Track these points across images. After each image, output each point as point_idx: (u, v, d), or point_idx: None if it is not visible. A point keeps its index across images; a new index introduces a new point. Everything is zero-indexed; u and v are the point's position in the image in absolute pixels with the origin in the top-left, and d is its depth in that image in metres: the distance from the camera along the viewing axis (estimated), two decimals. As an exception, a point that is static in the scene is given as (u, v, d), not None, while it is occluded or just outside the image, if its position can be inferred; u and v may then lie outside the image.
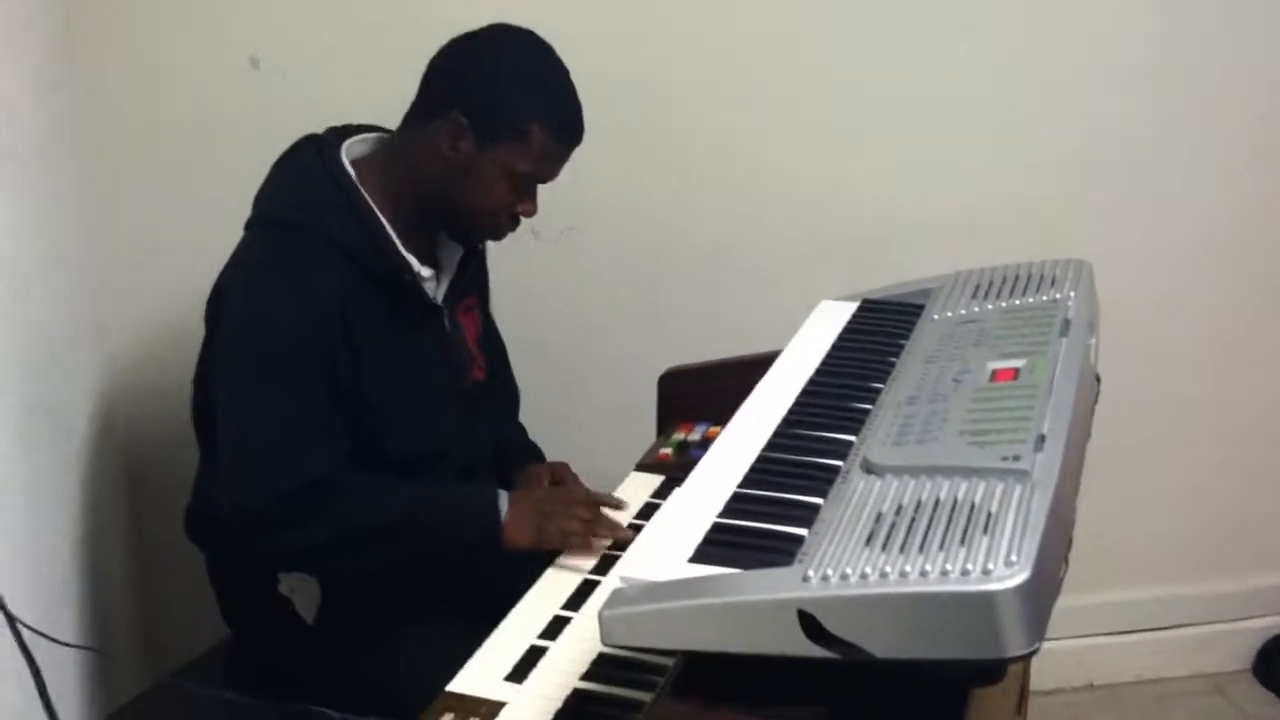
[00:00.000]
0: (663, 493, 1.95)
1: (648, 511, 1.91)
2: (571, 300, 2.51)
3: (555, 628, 1.62)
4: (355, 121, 1.92)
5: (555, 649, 1.56)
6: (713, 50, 2.43)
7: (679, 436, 2.09)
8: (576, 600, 1.68)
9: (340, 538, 1.74)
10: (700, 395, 2.14)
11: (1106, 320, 1.84)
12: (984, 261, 1.93)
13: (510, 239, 1.92)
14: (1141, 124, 2.59)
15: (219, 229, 1.84)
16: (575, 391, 2.54)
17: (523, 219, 1.88)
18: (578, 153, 1.87)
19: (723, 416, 2.04)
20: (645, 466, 2.06)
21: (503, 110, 1.78)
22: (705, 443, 2.01)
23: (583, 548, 1.79)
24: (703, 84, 2.45)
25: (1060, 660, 2.80)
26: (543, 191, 1.88)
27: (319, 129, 1.89)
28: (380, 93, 1.92)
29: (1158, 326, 2.67)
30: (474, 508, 1.81)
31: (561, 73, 1.83)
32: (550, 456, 2.17)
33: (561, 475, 2.04)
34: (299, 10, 2.31)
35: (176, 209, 2.32)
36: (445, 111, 1.78)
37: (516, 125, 1.78)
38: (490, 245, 2.03)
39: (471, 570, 1.83)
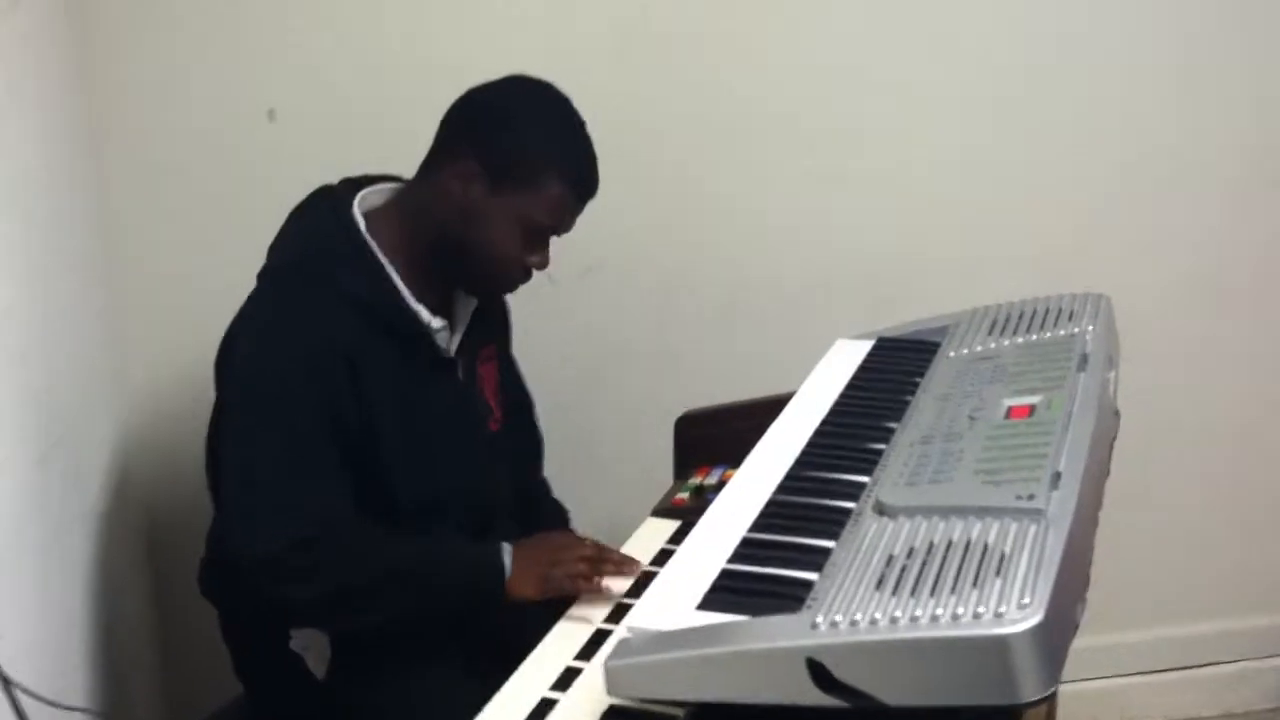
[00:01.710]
0: (678, 538, 1.91)
1: (663, 558, 1.87)
2: (587, 343, 2.49)
3: (567, 679, 1.58)
4: (373, 173, 1.92)
5: (565, 701, 1.52)
6: (726, 92, 2.42)
7: (696, 481, 2.06)
8: (589, 650, 1.64)
9: (345, 589, 1.71)
10: (718, 438, 2.11)
11: (1128, 353, 1.82)
12: (1003, 297, 1.91)
13: (528, 283, 1.90)
14: (1168, 156, 2.56)
15: (237, 281, 1.83)
16: (591, 435, 2.51)
17: (535, 271, 1.85)
18: (596, 196, 1.85)
19: (741, 459, 2.02)
20: (662, 512, 2.02)
21: (517, 157, 1.77)
22: (722, 486, 1.97)
23: (591, 589, 1.76)
24: (716, 125, 2.43)
25: (1091, 700, 2.74)
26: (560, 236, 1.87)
27: (335, 180, 1.89)
28: (397, 145, 1.91)
29: (1183, 359, 2.62)
30: (476, 560, 1.78)
31: (579, 124, 1.82)
32: (566, 500, 2.15)
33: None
34: (316, 63, 2.31)
35: (194, 261, 2.32)
36: (459, 156, 1.78)
37: (531, 173, 1.76)
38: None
39: (483, 620, 1.80)
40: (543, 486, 2.16)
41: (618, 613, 1.74)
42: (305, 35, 2.30)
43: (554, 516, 2.11)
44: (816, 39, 2.43)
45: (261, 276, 1.82)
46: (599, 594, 1.76)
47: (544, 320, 2.37)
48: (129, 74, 2.25)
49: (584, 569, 1.75)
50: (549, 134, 1.79)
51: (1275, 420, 2.73)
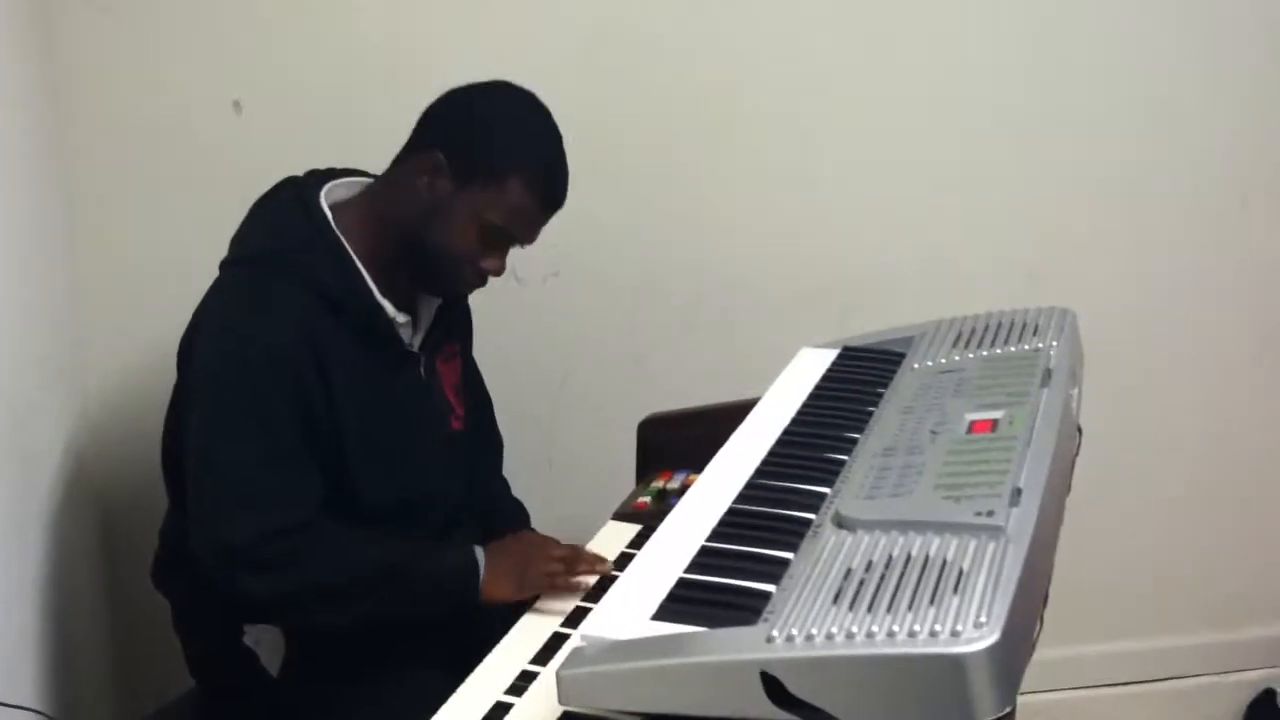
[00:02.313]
0: (639, 542, 1.91)
1: (623, 562, 1.86)
2: (552, 345, 2.48)
3: (522, 684, 1.57)
4: (338, 167, 1.90)
5: (520, 706, 1.51)
6: (694, 95, 2.41)
7: (658, 484, 2.05)
8: (545, 654, 1.64)
9: (317, 587, 1.70)
10: (681, 442, 2.10)
11: (1092, 368, 1.82)
12: (973, 307, 1.90)
13: (493, 284, 1.89)
14: (1133, 165, 2.57)
15: (199, 273, 1.81)
16: (554, 437, 2.50)
17: (490, 278, 1.84)
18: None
19: (703, 464, 2.01)
20: (623, 516, 2.01)
21: (484, 154, 1.75)
22: (684, 491, 1.96)
23: (566, 588, 1.75)
24: (686, 129, 2.42)
25: (1048, 713, 2.75)
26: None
27: (301, 173, 1.87)
28: (364, 139, 1.90)
29: (1145, 374, 2.63)
30: (453, 563, 1.77)
31: (554, 134, 1.81)
32: (527, 502, 2.14)
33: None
34: (282, 54, 2.29)
35: (155, 253, 2.29)
36: (427, 149, 1.76)
37: (494, 172, 1.75)
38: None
39: (442, 621, 1.78)
40: (502, 486, 2.15)
41: (577, 616, 1.73)
42: (274, 26, 2.27)
43: (513, 516, 2.10)
44: (788, 43, 2.42)
45: (224, 267, 1.80)
46: (574, 594, 1.75)
47: (509, 321, 2.36)
48: (93, 61, 2.22)
49: (558, 568, 1.75)
50: (520, 139, 1.78)
51: (1238, 435, 2.75)
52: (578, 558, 1.78)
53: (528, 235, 1.82)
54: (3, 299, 1.82)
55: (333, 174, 1.87)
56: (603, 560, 1.80)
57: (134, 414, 2.26)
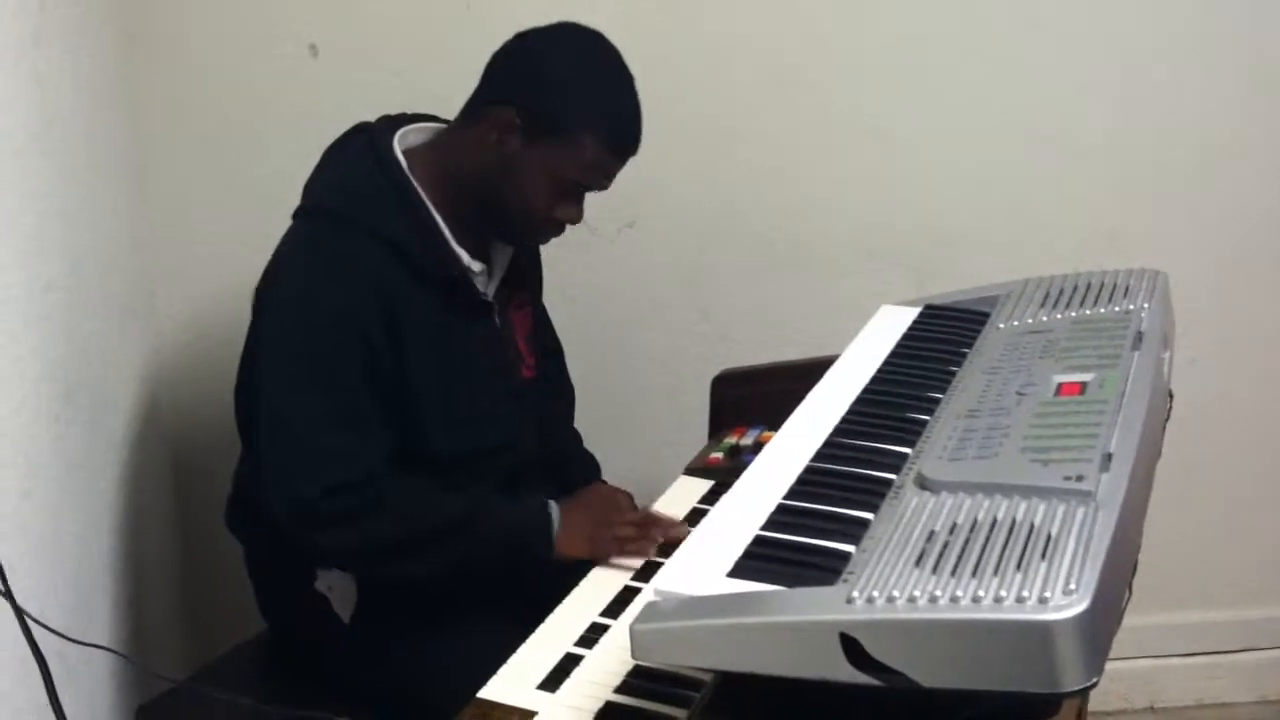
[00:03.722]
0: (711, 498, 1.89)
1: (695, 518, 1.84)
2: (626, 298, 2.45)
3: (592, 635, 1.56)
4: (409, 112, 1.88)
5: (591, 658, 1.50)
6: (773, 46, 2.37)
7: (731, 440, 2.03)
8: (616, 608, 1.63)
9: (389, 539, 1.70)
10: (755, 399, 2.07)
11: (1184, 331, 1.77)
12: (1053, 268, 1.86)
13: (568, 234, 1.87)
14: (1225, 127, 2.49)
15: (273, 216, 1.81)
16: (626, 391, 2.48)
17: (568, 226, 1.82)
18: (644, 150, 1.81)
19: (778, 421, 1.97)
20: (695, 471, 2.00)
21: (556, 111, 1.73)
22: (758, 447, 1.94)
23: (638, 553, 1.75)
24: (763, 80, 2.38)
25: (1122, 681, 2.71)
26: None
27: (374, 118, 1.85)
28: (438, 84, 1.88)
29: (1230, 338, 2.56)
30: (527, 518, 1.77)
31: (624, 81, 1.77)
32: (599, 456, 2.12)
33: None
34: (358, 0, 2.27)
35: (230, 195, 2.29)
36: (499, 105, 1.74)
37: (567, 129, 1.72)
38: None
39: (514, 575, 1.77)
40: (574, 436, 2.13)
41: (647, 570, 1.72)
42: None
43: (585, 468, 2.09)
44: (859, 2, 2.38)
45: (298, 216, 1.79)
46: (644, 554, 1.75)
47: (583, 272, 2.34)
48: (166, 7, 2.22)
49: (630, 533, 1.74)
50: (590, 89, 1.75)
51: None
52: (652, 522, 1.77)
53: (603, 184, 1.81)
54: (77, 235, 1.82)
55: (405, 119, 1.85)
56: (676, 524, 1.78)
57: (207, 355, 2.27)
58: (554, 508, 1.77)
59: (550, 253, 2.02)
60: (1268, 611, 2.78)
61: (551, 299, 2.09)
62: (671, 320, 2.48)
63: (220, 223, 2.28)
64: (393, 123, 1.83)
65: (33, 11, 1.67)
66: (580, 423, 2.14)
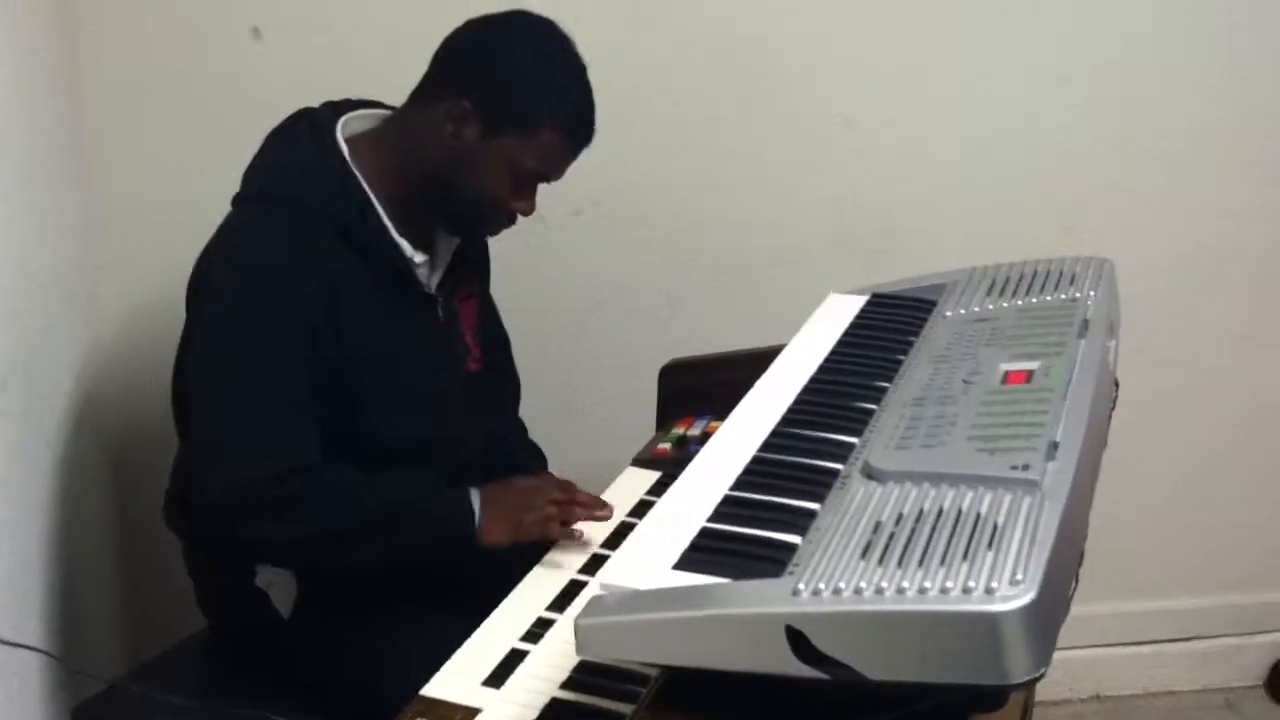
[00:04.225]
0: (659, 489, 1.87)
1: (642, 509, 1.82)
2: (575, 287, 2.43)
3: (538, 630, 1.54)
4: (354, 97, 1.85)
5: (536, 653, 1.48)
6: (730, 34, 2.35)
7: (679, 431, 2.01)
8: (562, 601, 1.61)
9: (311, 532, 1.66)
10: (703, 389, 2.06)
11: (1130, 320, 1.76)
12: (1004, 257, 1.85)
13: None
14: (1185, 123, 2.51)
15: (218, 204, 1.77)
16: (576, 381, 2.46)
17: (519, 217, 1.80)
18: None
19: (726, 411, 1.96)
20: (642, 462, 1.98)
21: (514, 102, 1.71)
22: (705, 438, 1.91)
23: (563, 534, 1.73)
24: (719, 68, 2.37)
25: (1068, 670, 2.73)
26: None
27: (321, 103, 1.82)
28: (385, 68, 1.84)
29: (1175, 327, 2.58)
30: (445, 505, 1.73)
31: (579, 70, 1.76)
32: (547, 447, 2.10)
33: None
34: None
35: (172, 181, 2.24)
36: (453, 95, 1.71)
37: (526, 120, 1.71)
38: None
39: (454, 565, 1.75)
40: (519, 427, 2.11)
41: (593, 563, 1.70)
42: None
43: (530, 458, 2.06)
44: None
45: (237, 202, 1.75)
46: (572, 540, 1.73)
47: (530, 261, 2.31)
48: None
49: (553, 512, 1.73)
50: (549, 80, 1.73)
51: (1266, 392, 2.69)
52: (574, 501, 1.75)
53: (559, 173, 1.79)
54: (16, 221, 1.77)
55: (349, 105, 1.82)
56: (602, 505, 1.77)
57: (148, 345, 2.22)
58: (475, 493, 1.73)
59: (495, 239, 1.99)
60: (1213, 599, 2.80)
61: (498, 287, 2.06)
62: (619, 309, 2.46)
63: (164, 210, 2.23)
64: (336, 109, 1.80)
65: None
66: (529, 412, 2.12)
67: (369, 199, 1.72)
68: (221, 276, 1.70)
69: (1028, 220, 2.48)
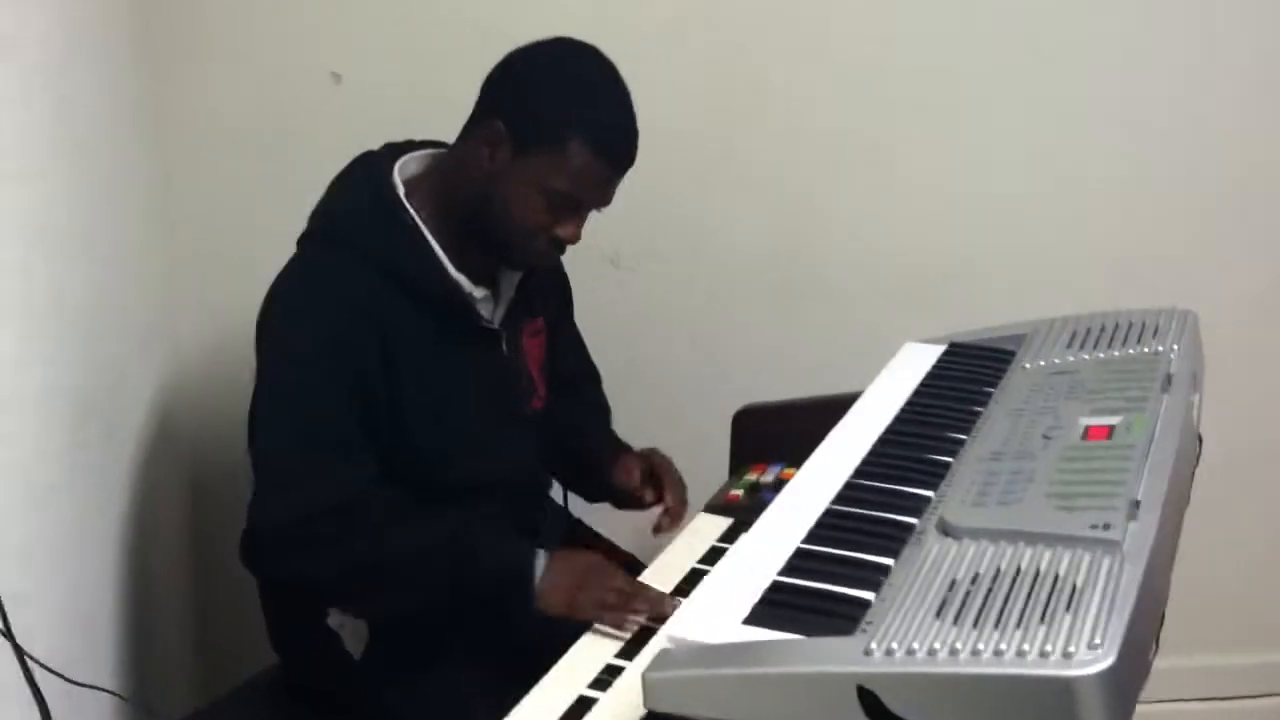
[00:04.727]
0: (730, 536, 1.85)
1: (713, 556, 1.81)
2: (643, 330, 2.43)
3: (606, 678, 1.52)
4: (418, 138, 1.87)
5: (604, 701, 1.46)
6: (791, 80, 2.35)
7: (751, 478, 1.99)
8: (631, 649, 1.58)
9: (357, 571, 1.66)
10: (776, 435, 2.04)
11: (1209, 367, 1.73)
12: (1066, 300, 1.83)
13: (585, 264, 1.84)
14: (1246, 158, 2.46)
15: (289, 246, 1.80)
16: (644, 425, 2.43)
17: (568, 245, 1.77)
18: (656, 178, 1.78)
19: (799, 458, 1.94)
20: (714, 508, 1.95)
21: (540, 116, 1.69)
22: (779, 485, 1.90)
23: (617, 625, 1.62)
24: (782, 113, 2.36)
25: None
26: (620, 218, 1.80)
27: (382, 145, 1.84)
28: (463, 111, 1.85)
29: (1263, 374, 2.52)
30: (507, 562, 1.70)
31: (616, 90, 1.73)
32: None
33: (656, 465, 1.96)
34: (382, 26, 2.26)
35: (253, 222, 2.28)
36: (489, 118, 1.71)
37: (553, 135, 1.68)
38: (568, 266, 1.96)
39: (517, 621, 1.73)
40: (613, 436, 2.09)
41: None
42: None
43: (619, 446, 2.04)
44: (874, 30, 2.36)
45: (299, 243, 1.78)
46: (623, 635, 1.61)
47: (603, 303, 2.31)
48: (192, 31, 2.22)
49: (613, 601, 1.63)
50: (576, 96, 1.70)
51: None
52: (636, 595, 1.64)
53: (598, 198, 1.74)
54: (100, 259, 1.80)
55: (411, 146, 1.83)
56: (663, 601, 1.63)
57: (224, 385, 2.25)
58: (541, 555, 1.69)
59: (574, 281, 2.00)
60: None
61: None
62: (690, 353, 2.45)
63: (242, 249, 2.26)
64: (396, 150, 1.81)
65: (57, 38, 1.66)
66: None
67: (423, 236, 1.73)
68: (276, 316, 1.73)
69: (1087, 261, 2.44)
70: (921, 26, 2.36)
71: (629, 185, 1.77)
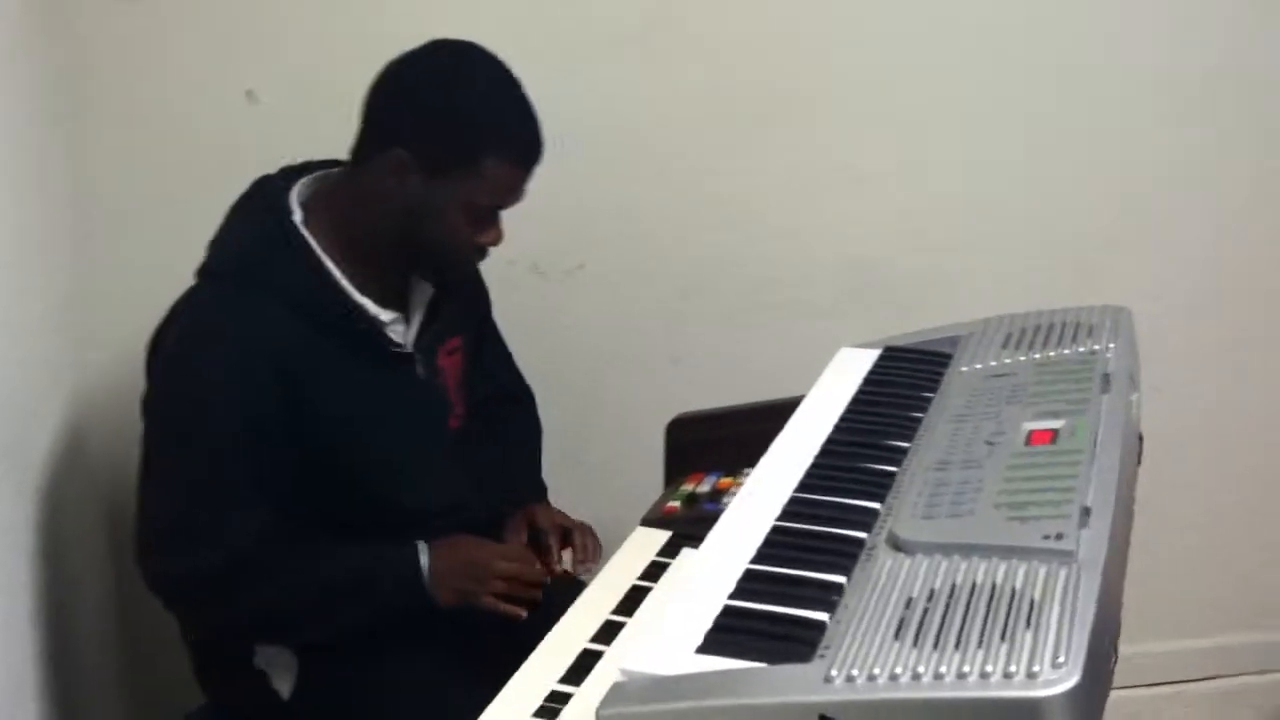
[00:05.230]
0: (669, 550, 1.81)
1: (655, 571, 1.77)
2: (579, 341, 2.40)
3: (552, 705, 1.48)
4: (315, 159, 1.82)
5: (557, 730, 1.43)
6: (733, 79, 2.33)
7: (688, 488, 1.96)
8: (575, 674, 1.54)
9: (264, 614, 1.66)
10: (712, 444, 2.01)
11: (1148, 361, 1.72)
12: (1017, 303, 1.82)
13: (513, 277, 1.81)
14: (1193, 160, 2.49)
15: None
16: (583, 438, 2.42)
17: (490, 249, 1.76)
18: (587, 186, 1.75)
19: (735, 466, 1.93)
20: (652, 521, 1.92)
21: (451, 141, 1.65)
22: (716, 495, 1.89)
23: (512, 615, 1.69)
24: (717, 121, 2.34)
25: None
26: (548, 226, 1.77)
27: (279, 169, 1.80)
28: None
29: (1195, 373, 2.55)
30: (397, 568, 1.70)
31: (511, 88, 1.69)
32: (557, 504, 2.05)
33: (536, 523, 1.92)
34: (298, 43, 2.20)
35: (168, 249, 2.16)
36: (389, 145, 1.66)
37: (467, 157, 1.65)
38: (491, 281, 1.92)
39: (451, 634, 1.72)
40: (529, 466, 2.07)
41: (606, 630, 1.64)
42: (289, 13, 2.18)
43: (532, 492, 2.01)
44: (823, 35, 2.34)
45: (197, 275, 1.72)
46: (517, 620, 1.67)
47: (530, 316, 2.28)
48: (102, 51, 2.14)
49: (500, 587, 1.67)
50: (478, 109, 1.67)
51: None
52: (520, 579, 1.70)
53: (516, 198, 1.73)
54: (5, 298, 1.73)
55: (309, 168, 1.78)
56: (540, 584, 1.72)
57: (136, 417, 2.17)
58: (423, 550, 1.70)
59: (496, 294, 1.95)
60: (1227, 639, 2.76)
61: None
62: (623, 364, 2.43)
63: (156, 278, 2.16)
64: (293, 174, 1.76)
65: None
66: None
67: (323, 265, 1.68)
68: (167, 358, 1.68)
69: (1037, 265, 2.46)
70: (870, 30, 2.36)
71: (551, 192, 1.74)
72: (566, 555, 1.89)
